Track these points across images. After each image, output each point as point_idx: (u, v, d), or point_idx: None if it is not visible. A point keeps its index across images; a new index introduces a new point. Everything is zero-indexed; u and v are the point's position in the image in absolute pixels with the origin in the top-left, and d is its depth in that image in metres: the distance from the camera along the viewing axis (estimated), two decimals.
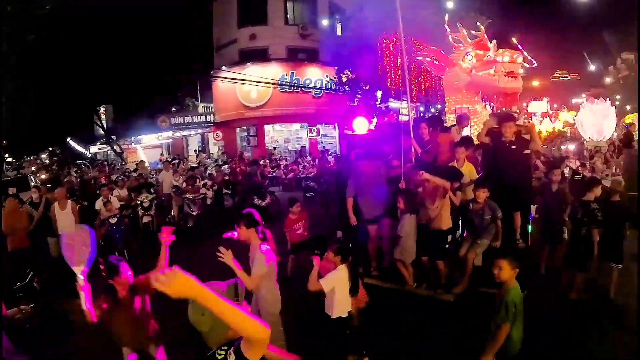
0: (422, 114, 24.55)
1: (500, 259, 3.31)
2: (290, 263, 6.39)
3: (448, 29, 8.02)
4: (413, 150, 5.80)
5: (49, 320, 5.38)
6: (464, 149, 5.67)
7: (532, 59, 7.56)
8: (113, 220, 8.51)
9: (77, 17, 18.00)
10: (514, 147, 5.41)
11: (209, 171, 14.23)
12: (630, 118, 25.24)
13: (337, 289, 3.78)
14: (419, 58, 8.54)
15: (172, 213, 11.40)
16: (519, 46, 7.38)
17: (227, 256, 3.49)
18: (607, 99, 16.90)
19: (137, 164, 17.35)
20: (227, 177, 13.69)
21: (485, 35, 7.57)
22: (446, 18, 8.12)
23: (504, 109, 6.76)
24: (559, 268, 5.75)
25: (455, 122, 7.14)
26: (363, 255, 6.12)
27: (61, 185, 9.80)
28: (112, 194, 9.91)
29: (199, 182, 11.49)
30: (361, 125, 6.51)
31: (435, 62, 8.08)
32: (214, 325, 1.71)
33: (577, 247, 5.28)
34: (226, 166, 17.04)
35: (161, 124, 25.30)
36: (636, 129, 12.79)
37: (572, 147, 19.00)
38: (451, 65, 7.81)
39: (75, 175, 18.24)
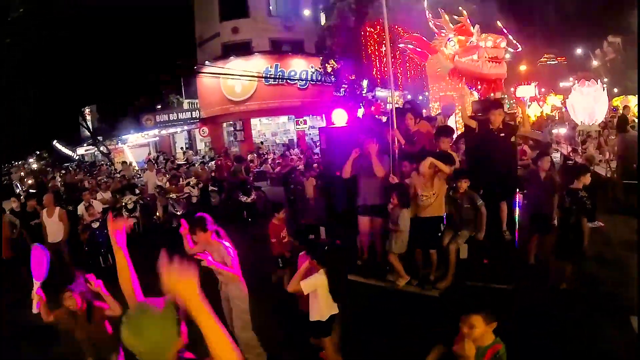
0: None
1: (470, 315, 2.49)
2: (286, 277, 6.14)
3: (429, 15, 7.76)
4: (397, 142, 5.57)
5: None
6: (445, 138, 5.48)
7: (517, 43, 7.31)
8: (95, 225, 8.31)
9: (57, 18, 17.58)
10: (502, 134, 5.23)
11: (193, 169, 14.00)
12: (618, 101, 25.14)
13: (318, 292, 3.62)
14: (400, 45, 8.33)
15: (157, 214, 11.22)
16: (504, 30, 7.12)
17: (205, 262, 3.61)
18: (599, 80, 16.65)
19: (121, 164, 17.06)
20: (213, 174, 13.50)
21: (468, 20, 7.32)
22: (425, 4, 7.84)
23: (491, 95, 6.52)
24: (548, 258, 5.63)
25: (440, 111, 6.99)
26: (348, 252, 5.93)
27: (48, 192, 9.61)
28: (95, 198, 9.91)
29: (183, 181, 11.27)
30: (340, 117, 6.27)
31: (417, 49, 7.86)
32: (154, 347, 1.55)
33: (567, 237, 5.12)
34: (212, 162, 16.82)
35: (146, 122, 25.11)
36: (630, 112, 12.53)
37: (563, 131, 18.95)
38: (434, 52, 7.58)
39: (60, 178, 17.93)
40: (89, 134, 28.54)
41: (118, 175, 14.53)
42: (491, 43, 6.73)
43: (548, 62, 78.17)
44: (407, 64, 11.12)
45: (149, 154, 26.43)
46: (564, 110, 32.23)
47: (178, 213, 10.28)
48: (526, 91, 46.65)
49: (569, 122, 18.26)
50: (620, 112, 14.78)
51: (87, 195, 9.18)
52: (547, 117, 34.65)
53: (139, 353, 1.57)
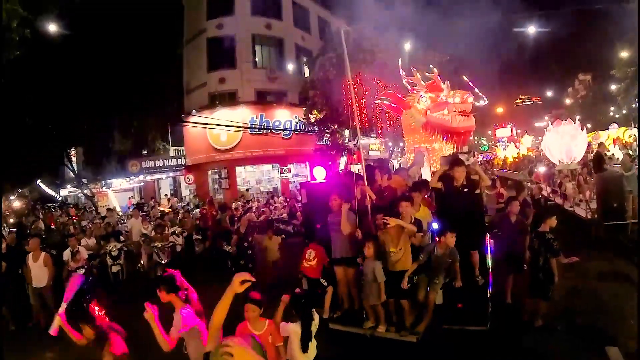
0: (391, 150, 25.16)
1: None
2: None
3: (403, 73, 8.35)
4: (368, 197, 5.85)
5: None
6: (418, 193, 5.80)
7: (483, 96, 7.87)
8: (81, 272, 8.30)
9: (47, 58, 17.95)
10: (465, 190, 5.60)
11: (179, 217, 14.09)
12: (590, 137, 26.02)
13: (290, 339, 3.88)
14: (377, 101, 8.87)
15: (142, 262, 11.20)
16: (470, 84, 7.70)
17: (148, 315, 3.60)
18: (577, 119, 16.88)
19: (106, 211, 17.01)
20: (197, 222, 13.60)
21: (438, 77, 7.89)
22: (399, 63, 8.45)
23: (454, 151, 7.00)
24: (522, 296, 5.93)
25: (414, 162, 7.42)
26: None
27: (32, 235, 9.59)
28: (79, 243, 9.81)
29: (168, 230, 11.35)
30: (320, 174, 6.68)
31: (392, 104, 8.39)
32: None
33: (537, 276, 5.47)
34: (197, 210, 16.91)
35: (132, 168, 25.08)
36: (604, 149, 12.83)
37: (542, 169, 19.58)
38: (407, 107, 8.09)
39: (42, 218, 17.74)
40: (73, 175, 28.45)
41: (99, 221, 14.46)
42: (459, 99, 7.27)
43: (524, 103, 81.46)
44: (386, 114, 11.65)
45: (130, 198, 26.39)
46: (540, 150, 33.56)
47: (163, 262, 10.28)
48: (504, 133, 48.38)
49: (547, 161, 18.64)
50: (594, 149, 15.18)
51: (74, 241, 9.17)
52: (524, 157, 35.82)
53: None
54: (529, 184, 18.47)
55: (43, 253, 7.79)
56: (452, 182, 5.59)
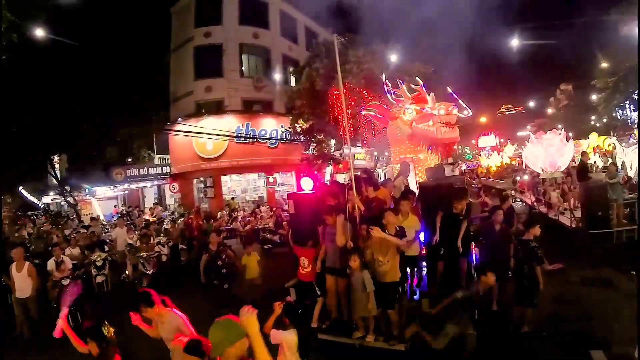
0: (377, 159, 25.36)
1: None
2: None
3: (389, 85, 8.47)
4: (357, 208, 5.91)
5: None
6: (407, 201, 5.90)
7: (468, 107, 8.02)
8: (65, 282, 8.22)
9: (33, 63, 17.74)
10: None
11: (164, 226, 13.96)
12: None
13: (283, 348, 3.87)
14: (363, 113, 8.98)
15: (127, 272, 11.04)
16: (454, 95, 7.86)
17: (134, 319, 3.82)
18: (562, 130, 17.18)
19: (90, 220, 16.74)
20: (183, 231, 13.47)
21: (423, 88, 8.03)
22: (384, 77, 8.58)
23: (439, 162, 7.15)
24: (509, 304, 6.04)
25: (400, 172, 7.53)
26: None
27: (16, 245, 9.40)
28: (64, 253, 9.65)
29: (154, 240, 11.23)
30: (307, 184, 6.72)
31: (378, 115, 8.52)
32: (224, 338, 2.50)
33: (523, 284, 5.59)
34: (182, 219, 16.76)
35: (116, 176, 24.84)
36: (587, 158, 13.10)
37: (526, 177, 19.86)
38: (393, 118, 8.23)
39: (30, 229, 17.39)
40: (56, 182, 27.99)
41: (84, 230, 14.22)
42: (444, 111, 7.43)
43: (507, 112, 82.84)
44: (372, 124, 11.71)
45: (115, 206, 26.05)
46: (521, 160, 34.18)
47: (148, 272, 10.17)
48: (487, 141, 49.04)
49: (529, 169, 18.89)
50: (578, 159, 15.19)
51: (58, 251, 9.01)
52: (507, 166, 36.45)
53: (215, 342, 2.50)
54: (513, 192, 18.81)
55: (27, 263, 7.66)
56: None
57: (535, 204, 14.97)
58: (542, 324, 5.79)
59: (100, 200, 25.74)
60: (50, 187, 31.13)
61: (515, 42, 19.19)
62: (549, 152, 14.95)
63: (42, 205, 31.86)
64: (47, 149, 22.72)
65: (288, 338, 3.88)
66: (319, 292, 6.21)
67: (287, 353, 3.87)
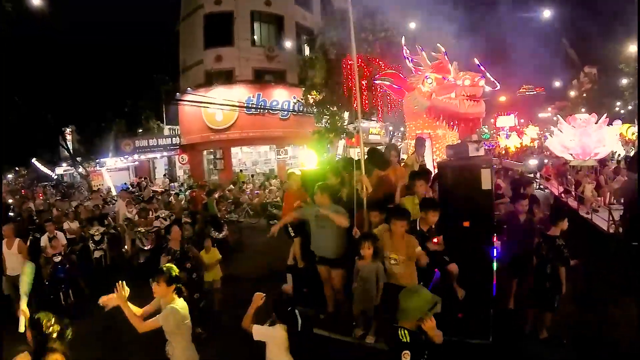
0: (392, 134, 24.49)
1: None
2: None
3: (407, 52, 7.64)
4: (364, 188, 5.13)
5: None
6: (423, 182, 5.09)
7: (496, 81, 7.19)
8: (58, 259, 7.80)
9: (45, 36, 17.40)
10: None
11: (167, 200, 13.56)
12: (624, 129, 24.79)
13: (269, 345, 3.44)
14: (377, 82, 8.18)
15: (126, 247, 10.68)
16: (481, 67, 6.99)
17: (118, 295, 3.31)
18: (607, 115, 14.55)
19: (91, 193, 16.43)
20: (188, 205, 13.06)
21: (446, 56, 7.21)
22: (403, 41, 7.71)
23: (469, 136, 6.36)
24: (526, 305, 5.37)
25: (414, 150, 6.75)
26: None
27: (8, 221, 9.05)
28: (62, 227, 9.46)
29: (152, 215, 10.77)
30: (310, 159, 6.01)
31: (394, 85, 7.72)
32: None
33: (543, 285, 4.87)
34: (188, 192, 16.38)
35: (125, 147, 24.62)
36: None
37: (537, 162, 18.67)
38: (410, 89, 7.42)
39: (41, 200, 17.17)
40: (67, 154, 27.99)
41: (87, 203, 13.87)
42: (469, 82, 6.61)
43: (527, 93, 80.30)
44: (388, 97, 10.95)
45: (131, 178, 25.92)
46: (543, 140, 32.88)
47: (146, 248, 9.75)
48: (506, 121, 47.60)
49: (551, 153, 17.06)
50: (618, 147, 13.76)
51: (51, 227, 8.58)
52: (526, 148, 35.25)
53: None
54: (537, 178, 17.62)
55: (17, 239, 7.29)
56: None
57: (562, 195, 12.94)
58: (562, 329, 5.11)
59: (112, 171, 25.48)
60: (62, 159, 31.27)
61: (542, 17, 17.93)
62: (583, 137, 12.90)
63: (56, 177, 32.08)
64: (57, 120, 22.46)
65: (275, 335, 3.41)
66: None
67: (274, 351, 3.41)
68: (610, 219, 8.65)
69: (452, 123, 6.74)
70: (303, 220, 5.49)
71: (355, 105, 14.11)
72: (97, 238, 9.67)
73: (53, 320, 3.02)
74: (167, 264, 3.73)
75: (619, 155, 18.31)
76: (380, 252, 4.60)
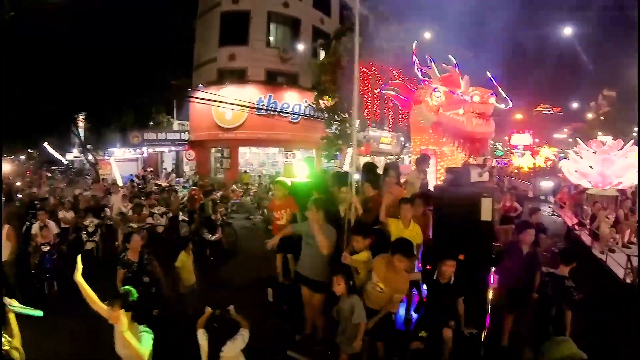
0: (403, 145, 24.08)
1: None
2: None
3: (417, 61, 7.30)
4: (353, 209, 4.75)
5: None
6: (410, 206, 4.73)
7: (508, 98, 6.82)
8: (46, 248, 7.73)
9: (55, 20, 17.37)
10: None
11: (164, 196, 13.37)
12: None
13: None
14: (383, 92, 7.86)
15: (119, 241, 10.50)
16: (494, 81, 6.63)
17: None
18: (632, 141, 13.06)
19: (91, 183, 16.35)
20: (187, 204, 12.83)
21: (457, 69, 6.87)
22: (414, 47, 7.35)
23: (465, 159, 5.96)
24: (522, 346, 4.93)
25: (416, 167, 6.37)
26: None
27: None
28: (57, 216, 9.51)
29: (146, 211, 10.58)
30: (301, 171, 5.63)
31: (401, 97, 7.39)
32: None
33: (545, 328, 4.45)
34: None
35: (133, 139, 24.65)
36: None
37: (550, 184, 17.81)
38: (418, 102, 7.09)
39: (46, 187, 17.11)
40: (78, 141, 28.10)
41: (86, 193, 13.71)
42: (478, 98, 6.26)
43: (543, 112, 79.16)
44: (399, 107, 10.71)
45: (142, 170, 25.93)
46: (557, 162, 32.13)
47: None
48: (521, 139, 46.87)
49: (566, 180, 15.45)
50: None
51: (43, 216, 8.54)
52: (539, 169, 34.56)
53: None
54: (550, 205, 16.65)
55: (7, 226, 7.17)
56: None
57: (576, 227, 11.54)
58: None
59: (121, 161, 25.47)
60: (74, 145, 31.48)
61: (561, 36, 17.39)
62: (605, 163, 11.73)
63: (66, 162, 32.26)
64: (70, 106, 22.51)
65: (201, 343, 3.30)
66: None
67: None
68: (628, 266, 7.33)
69: (457, 141, 6.38)
70: (290, 236, 5.16)
71: (367, 113, 13.86)
72: (90, 230, 9.53)
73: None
74: (126, 288, 3.46)
75: None
76: (362, 282, 4.29)
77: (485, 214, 4.28)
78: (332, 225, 4.80)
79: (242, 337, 3.31)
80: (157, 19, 23.00)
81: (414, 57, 7.25)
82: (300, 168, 5.68)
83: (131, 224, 9.73)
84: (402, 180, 6.38)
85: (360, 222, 4.59)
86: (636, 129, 37.14)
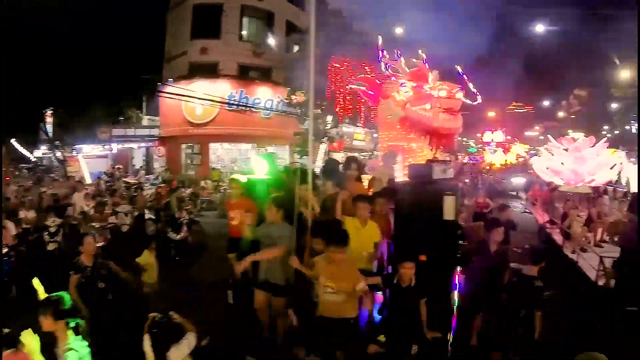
0: (377, 141, 24.06)
1: None
2: None
3: (386, 55, 7.10)
4: (310, 207, 4.57)
5: None
6: (364, 205, 4.53)
7: (477, 94, 6.69)
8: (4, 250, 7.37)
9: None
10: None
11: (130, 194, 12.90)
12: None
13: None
14: (352, 86, 7.68)
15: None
16: (464, 76, 6.49)
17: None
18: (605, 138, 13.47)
19: (52, 181, 15.71)
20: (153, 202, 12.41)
21: (426, 64, 6.70)
22: (380, 41, 7.15)
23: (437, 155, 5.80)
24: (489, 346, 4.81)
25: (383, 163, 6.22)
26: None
27: None
28: (17, 216, 9.18)
29: (110, 209, 10.14)
30: (260, 167, 5.36)
31: (369, 92, 7.21)
32: None
33: (514, 330, 4.34)
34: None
35: (101, 134, 23.89)
36: None
37: (521, 180, 18.02)
38: (385, 97, 6.93)
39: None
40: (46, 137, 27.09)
41: (49, 192, 13.10)
42: (445, 93, 6.10)
43: (516, 110, 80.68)
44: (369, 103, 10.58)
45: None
46: (528, 159, 32.69)
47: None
48: (493, 137, 47.57)
49: (538, 177, 14.75)
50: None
51: None
52: (510, 165, 35.16)
53: None
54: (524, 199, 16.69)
55: None
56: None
57: (547, 225, 11.33)
58: None
59: (89, 158, 24.59)
60: (42, 142, 30.29)
61: (537, 31, 17.61)
62: (577, 162, 11.33)
63: (34, 159, 31.04)
64: (37, 101, 21.69)
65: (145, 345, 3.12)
66: None
67: None
68: (600, 267, 6.89)
69: (423, 137, 6.23)
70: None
71: (339, 109, 13.61)
72: (52, 230, 9.01)
73: None
74: (58, 293, 3.14)
75: (628, 179, 15.83)
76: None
77: (448, 213, 4.11)
78: (298, 225, 4.57)
79: (188, 342, 3.14)
80: (128, 11, 22.40)
81: (379, 51, 7.05)
82: (258, 164, 5.38)
83: (93, 224, 9.33)
84: (369, 177, 6.24)
85: (317, 222, 4.37)
86: (606, 127, 38.24)
